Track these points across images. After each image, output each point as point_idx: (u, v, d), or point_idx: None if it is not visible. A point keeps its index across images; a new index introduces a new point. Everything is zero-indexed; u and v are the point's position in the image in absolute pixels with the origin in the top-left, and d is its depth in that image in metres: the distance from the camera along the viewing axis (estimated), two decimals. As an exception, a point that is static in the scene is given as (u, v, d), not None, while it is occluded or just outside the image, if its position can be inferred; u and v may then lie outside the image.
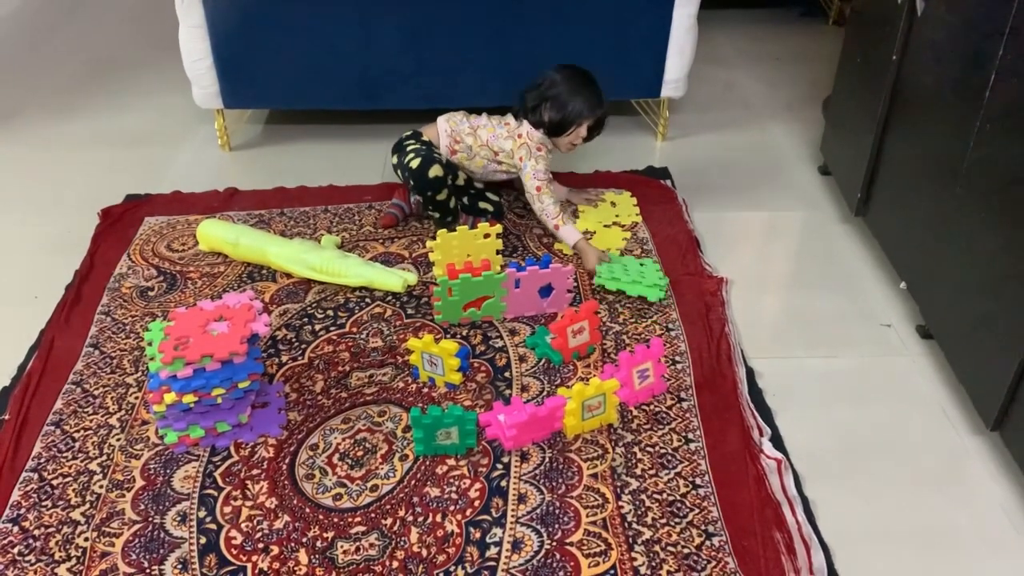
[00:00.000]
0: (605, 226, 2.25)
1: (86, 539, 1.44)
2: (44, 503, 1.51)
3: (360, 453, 1.60)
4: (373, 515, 1.48)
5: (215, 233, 2.12)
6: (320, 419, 1.67)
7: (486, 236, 1.94)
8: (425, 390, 1.74)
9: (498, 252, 1.99)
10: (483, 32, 2.48)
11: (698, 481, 1.54)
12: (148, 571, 1.39)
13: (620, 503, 1.49)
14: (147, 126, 2.83)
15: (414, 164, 2.12)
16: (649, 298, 1.97)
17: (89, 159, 2.64)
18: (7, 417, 1.69)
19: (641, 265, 2.05)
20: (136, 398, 1.73)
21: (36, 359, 1.82)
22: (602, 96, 2.13)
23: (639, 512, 1.48)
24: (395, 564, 1.40)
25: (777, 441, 1.63)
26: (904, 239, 1.96)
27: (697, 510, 1.48)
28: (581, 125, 2.13)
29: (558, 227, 2.13)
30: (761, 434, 1.63)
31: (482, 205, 2.25)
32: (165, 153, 2.67)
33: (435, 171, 2.11)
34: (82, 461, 1.59)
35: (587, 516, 1.47)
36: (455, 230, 1.91)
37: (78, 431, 1.65)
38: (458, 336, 1.88)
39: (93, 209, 2.33)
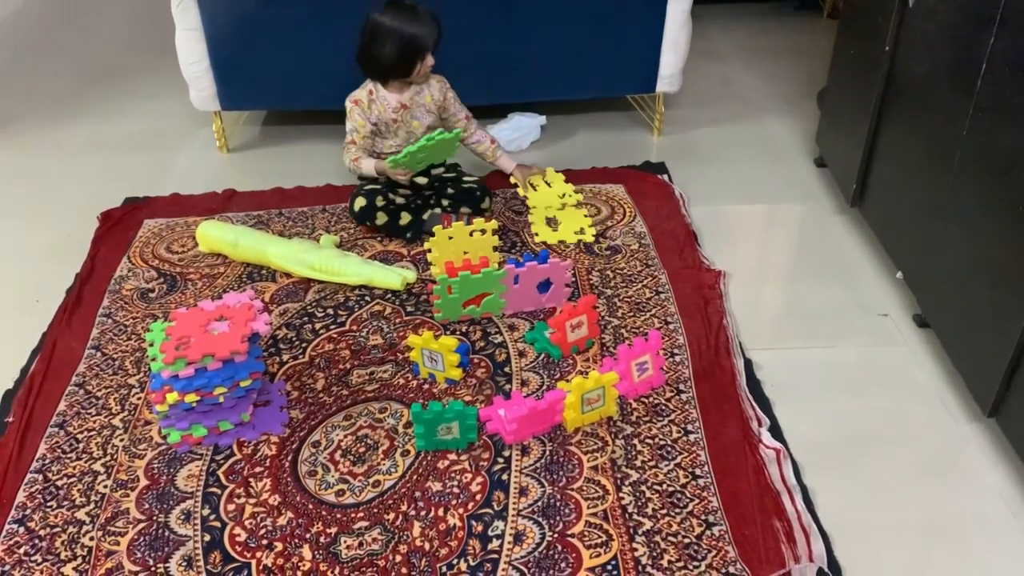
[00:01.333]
0: (559, 209, 2.28)
1: (91, 538, 1.45)
2: (49, 503, 1.52)
3: (362, 449, 1.61)
4: (376, 510, 1.49)
5: (214, 234, 2.13)
6: (322, 416, 1.69)
7: (481, 232, 1.95)
8: (426, 386, 1.75)
9: (495, 248, 2.00)
10: (477, 30, 2.48)
11: (698, 472, 1.55)
12: (153, 569, 1.40)
13: (621, 494, 1.50)
14: (145, 129, 2.84)
15: (348, 205, 2.21)
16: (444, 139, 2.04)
17: (88, 163, 2.65)
18: (11, 419, 1.70)
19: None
20: (139, 399, 1.74)
21: (39, 362, 1.84)
22: (431, 16, 2.08)
23: (639, 503, 1.49)
24: (398, 558, 1.41)
25: (776, 431, 1.64)
26: (900, 229, 1.97)
27: (697, 500, 1.50)
28: (426, 55, 2.10)
29: (360, 168, 2.19)
30: (760, 424, 1.65)
31: (466, 185, 2.25)
32: (163, 156, 2.69)
33: (358, 203, 2.17)
34: (86, 462, 1.60)
35: (588, 508, 1.48)
36: (450, 226, 1.93)
37: (81, 432, 1.66)
38: (457, 332, 1.89)
39: (93, 213, 2.34)
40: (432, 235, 1.97)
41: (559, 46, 2.54)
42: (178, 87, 2.63)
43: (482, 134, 2.33)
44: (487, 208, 2.26)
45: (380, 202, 2.16)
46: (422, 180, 2.26)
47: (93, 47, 3.53)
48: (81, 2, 3.95)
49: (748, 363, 1.80)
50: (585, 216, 2.25)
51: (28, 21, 3.65)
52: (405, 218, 2.18)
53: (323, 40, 2.44)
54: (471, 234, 1.98)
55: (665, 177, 2.49)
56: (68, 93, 3.11)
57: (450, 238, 1.96)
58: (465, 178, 2.28)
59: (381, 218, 2.16)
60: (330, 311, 1.96)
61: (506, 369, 1.79)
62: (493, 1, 2.45)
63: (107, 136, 2.81)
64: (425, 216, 2.20)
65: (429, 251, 2.04)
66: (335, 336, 1.89)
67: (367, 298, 2.00)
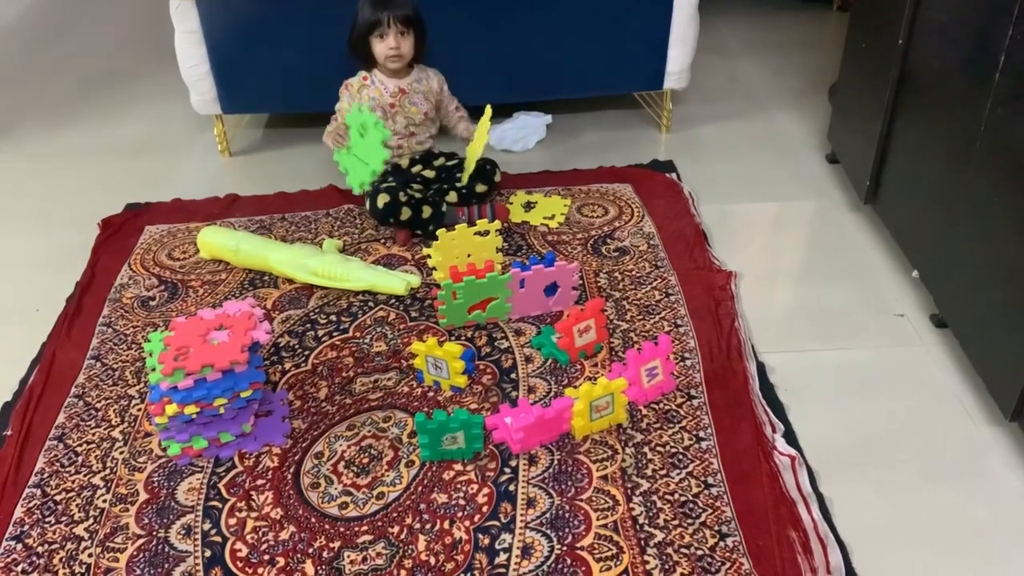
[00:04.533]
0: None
1: (90, 555, 1.42)
2: (47, 519, 1.49)
3: (366, 460, 1.57)
4: (380, 523, 1.45)
5: (215, 240, 2.10)
6: (325, 426, 1.65)
7: (485, 233, 1.91)
8: (430, 394, 1.71)
9: (499, 250, 1.96)
10: (481, 28, 2.45)
11: (710, 480, 1.51)
12: (153, 586, 1.37)
13: (631, 505, 1.46)
14: (146, 134, 2.81)
15: (367, 207, 2.17)
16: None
17: (88, 169, 2.63)
18: (9, 432, 1.67)
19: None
20: (139, 410, 1.71)
21: (38, 373, 1.81)
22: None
23: (651, 514, 1.44)
24: (403, 573, 1.37)
25: (790, 437, 1.59)
26: (915, 227, 1.93)
27: (710, 510, 1.45)
28: (374, 32, 2.10)
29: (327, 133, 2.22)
30: (774, 430, 1.60)
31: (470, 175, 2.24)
32: (165, 161, 2.66)
33: (381, 200, 2.12)
34: (85, 475, 1.57)
35: (597, 519, 1.44)
36: (454, 229, 1.89)
37: (81, 445, 1.63)
38: (463, 338, 1.85)
39: (93, 220, 2.32)
40: (449, 228, 1.93)
41: (565, 44, 2.50)
42: (178, 91, 2.60)
43: (462, 122, 2.33)
44: (498, 180, 2.27)
45: (403, 197, 2.13)
46: (430, 173, 2.25)
47: (92, 52, 3.51)
48: (80, 7, 3.94)
49: (761, 367, 1.76)
50: (565, 205, 2.29)
51: (27, 27, 3.63)
52: (426, 211, 2.15)
53: (324, 42, 2.40)
54: (475, 235, 1.94)
55: (673, 175, 2.44)
56: (68, 98, 3.09)
57: (452, 240, 1.92)
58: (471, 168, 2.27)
59: (405, 213, 2.13)
60: (333, 317, 1.93)
61: (512, 375, 1.75)
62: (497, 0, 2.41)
63: (107, 141, 2.78)
64: (443, 208, 2.18)
65: (428, 257, 2.01)
66: (338, 343, 1.85)
67: (370, 304, 1.97)
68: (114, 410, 1.71)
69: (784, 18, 3.57)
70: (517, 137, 2.62)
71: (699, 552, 1.38)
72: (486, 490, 1.50)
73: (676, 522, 1.43)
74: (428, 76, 2.24)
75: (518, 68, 2.53)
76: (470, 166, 2.18)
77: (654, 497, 1.47)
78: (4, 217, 2.41)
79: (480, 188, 2.23)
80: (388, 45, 2.10)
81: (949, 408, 1.67)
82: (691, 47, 2.52)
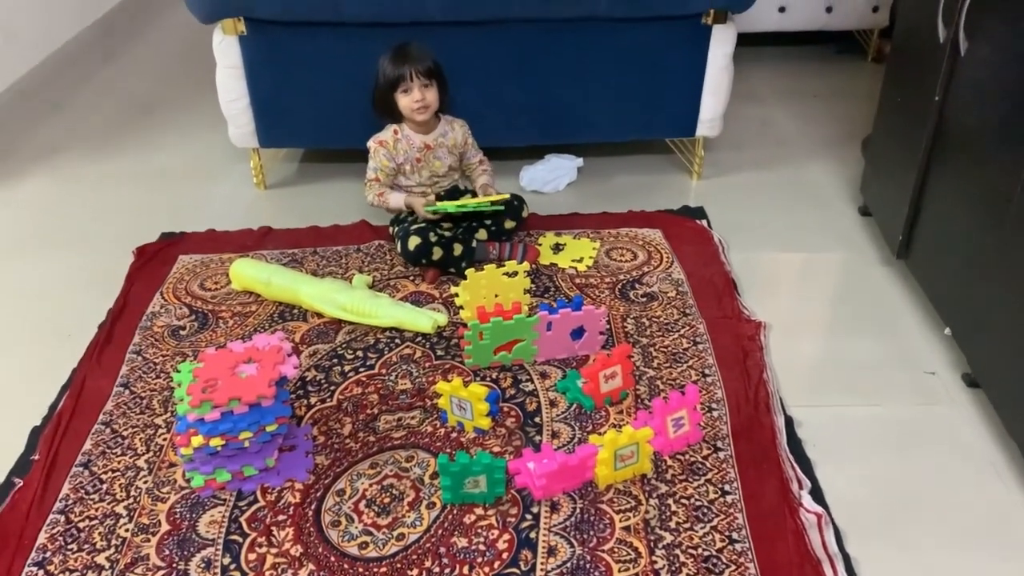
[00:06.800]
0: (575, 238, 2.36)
1: (110, 585, 1.43)
2: (70, 546, 1.50)
3: (387, 500, 1.57)
4: (399, 565, 1.44)
5: (247, 272, 2.13)
6: (347, 463, 1.65)
7: (513, 274, 1.91)
8: (454, 435, 1.71)
9: (526, 291, 1.96)
10: (516, 72, 2.47)
11: (735, 536, 1.48)
12: (170, 620, 1.37)
13: (653, 558, 1.44)
14: (183, 165, 2.86)
15: (399, 249, 2.19)
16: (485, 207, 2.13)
17: (125, 197, 2.67)
18: (37, 457, 1.68)
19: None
20: (164, 439, 1.72)
21: (67, 398, 1.83)
22: (401, 47, 2.13)
23: (673, 568, 1.42)
24: (421, 618, 1.36)
25: (817, 494, 1.57)
26: (948, 283, 1.90)
27: (733, 567, 1.43)
28: (398, 88, 2.13)
29: (387, 202, 2.24)
30: (800, 487, 1.58)
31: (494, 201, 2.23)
32: (200, 191, 2.70)
33: (413, 242, 2.14)
34: (109, 504, 1.58)
35: (619, 571, 1.42)
36: (483, 269, 1.89)
37: (106, 472, 1.64)
38: (488, 379, 1.85)
39: (129, 246, 2.35)
40: (479, 266, 1.93)
41: (599, 88, 2.52)
42: (217, 122, 2.65)
43: (484, 176, 2.34)
44: (526, 217, 2.30)
45: (433, 238, 2.15)
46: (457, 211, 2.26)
47: (134, 82, 3.59)
48: (124, 38, 4.03)
49: (789, 420, 1.73)
50: (594, 248, 2.31)
51: (72, 56, 3.72)
52: (458, 249, 2.17)
53: (362, 80, 2.43)
54: (503, 276, 1.94)
55: (704, 222, 2.44)
56: (108, 126, 3.15)
57: (481, 280, 1.92)
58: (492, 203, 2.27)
59: (437, 253, 2.15)
60: (359, 353, 1.94)
61: (536, 419, 1.74)
62: (533, 43, 2.44)
63: (145, 170, 2.83)
64: (474, 244, 2.19)
65: (456, 295, 2.02)
66: (364, 379, 1.86)
67: (397, 341, 1.97)
68: (140, 439, 1.72)
69: (817, 68, 3.57)
70: (548, 179, 2.63)
71: (722, 609, 1.36)
72: (507, 536, 1.49)
73: (699, 577, 1.41)
74: (453, 128, 2.27)
75: (552, 111, 2.55)
76: (465, 201, 2.16)
77: (677, 551, 1.45)
78: (41, 240, 2.46)
79: (509, 224, 2.25)
80: (414, 99, 2.13)
81: (980, 470, 1.64)
82: (725, 96, 2.53)
